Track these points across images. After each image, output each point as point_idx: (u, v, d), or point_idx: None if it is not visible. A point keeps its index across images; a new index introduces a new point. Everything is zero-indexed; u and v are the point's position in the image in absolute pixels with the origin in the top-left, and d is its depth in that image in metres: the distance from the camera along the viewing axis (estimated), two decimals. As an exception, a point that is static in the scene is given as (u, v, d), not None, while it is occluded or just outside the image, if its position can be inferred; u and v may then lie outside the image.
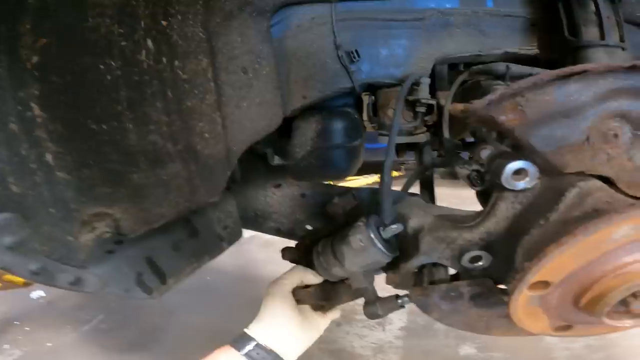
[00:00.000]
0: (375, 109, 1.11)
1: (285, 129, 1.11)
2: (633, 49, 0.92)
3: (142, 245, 0.93)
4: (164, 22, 0.73)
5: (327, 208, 1.11)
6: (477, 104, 0.73)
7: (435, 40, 1.00)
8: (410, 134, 1.12)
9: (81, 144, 0.70)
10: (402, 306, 0.99)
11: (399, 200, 1.00)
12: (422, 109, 1.03)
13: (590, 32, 0.89)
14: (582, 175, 0.76)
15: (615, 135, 0.73)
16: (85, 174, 0.72)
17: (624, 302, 0.71)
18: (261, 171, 1.27)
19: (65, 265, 0.78)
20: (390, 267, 0.97)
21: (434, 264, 0.93)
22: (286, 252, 1.23)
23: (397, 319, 2.69)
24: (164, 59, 0.74)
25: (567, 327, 0.84)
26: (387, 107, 1.05)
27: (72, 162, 0.70)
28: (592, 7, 0.89)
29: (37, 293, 2.97)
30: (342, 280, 1.08)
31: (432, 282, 0.93)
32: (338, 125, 1.12)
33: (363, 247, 0.93)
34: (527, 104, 0.71)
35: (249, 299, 3.27)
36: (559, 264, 0.69)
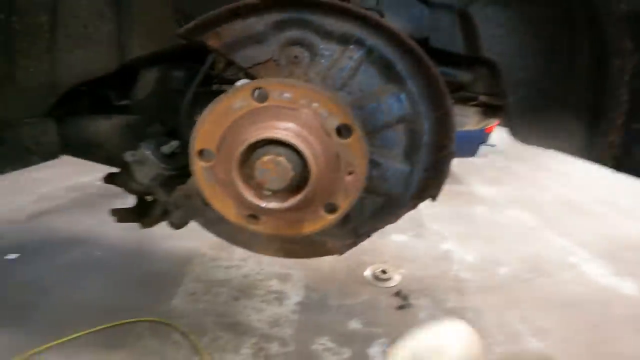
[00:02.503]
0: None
1: (130, 77, 1.32)
2: (410, 19, 1.13)
3: None
4: None
5: (141, 137, 1.29)
6: (181, 29, 0.98)
7: None
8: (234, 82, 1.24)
9: None
10: (184, 212, 1.23)
11: None
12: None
13: None
14: None
15: (296, 57, 1.00)
16: None
17: (253, 174, 0.91)
18: (106, 111, 1.41)
19: None
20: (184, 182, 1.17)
21: None
22: (107, 177, 1.51)
23: (295, 294, 2.65)
24: (1, 16, 0.97)
25: (254, 218, 1.01)
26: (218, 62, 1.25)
27: None
28: None
29: None
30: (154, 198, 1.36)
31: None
32: (177, 74, 1.32)
33: (139, 160, 1.19)
34: (222, 32, 0.99)
35: (141, 275, 2.66)
36: (208, 130, 0.94)
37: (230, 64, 1.24)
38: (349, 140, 0.94)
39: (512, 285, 3.10)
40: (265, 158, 0.89)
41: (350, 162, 0.95)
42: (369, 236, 1.17)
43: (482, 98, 1.31)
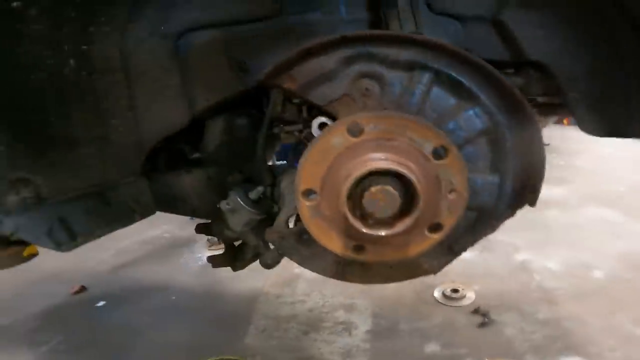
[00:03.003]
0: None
1: (202, 129, 1.39)
2: (448, 36, 1.15)
3: (58, 208, 1.15)
4: (84, 47, 1.03)
5: (224, 187, 1.36)
6: (261, 74, 1.04)
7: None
8: (295, 122, 1.31)
9: (15, 128, 1.00)
10: (280, 253, 1.26)
11: (283, 171, 1.30)
12: (297, 101, 1.23)
13: (394, 25, 1.13)
14: None
15: (367, 90, 1.04)
16: (15, 147, 1.00)
17: (362, 207, 0.94)
18: (182, 165, 1.49)
19: None
20: (271, 224, 1.22)
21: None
22: (199, 227, 1.57)
23: (362, 323, 2.53)
24: (84, 73, 1.05)
25: (360, 248, 1.03)
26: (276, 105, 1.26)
27: (5, 138, 0.98)
28: (396, 4, 1.14)
29: (-6, 317, 2.90)
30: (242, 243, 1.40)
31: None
32: (241, 122, 1.38)
33: (233, 209, 1.24)
34: (295, 74, 1.04)
35: (214, 316, 2.77)
36: (310, 171, 0.98)
37: (285, 105, 1.26)
38: (446, 160, 0.97)
39: (613, 288, 2.76)
40: (374, 189, 0.92)
41: (451, 180, 0.98)
42: (465, 251, 1.17)
43: (540, 99, 1.32)
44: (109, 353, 2.58)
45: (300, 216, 1.03)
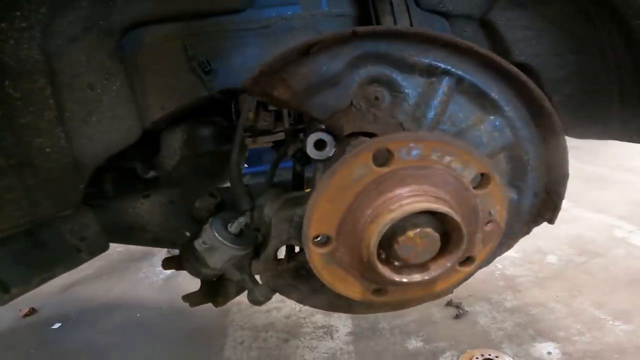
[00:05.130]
0: (238, 113, 1.17)
1: (155, 143, 1.17)
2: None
3: None
4: None
5: (192, 213, 1.15)
6: (245, 80, 0.82)
7: (282, 43, 1.03)
8: (270, 132, 1.18)
9: None
10: (274, 290, 1.07)
11: (262, 193, 1.08)
12: (274, 109, 1.10)
13: (387, 20, 1.02)
14: (356, 135, 0.88)
15: (377, 98, 0.86)
16: None
17: (392, 251, 0.77)
18: (134, 186, 1.27)
19: None
20: (255, 256, 1.04)
21: (292, 249, 1.01)
22: (165, 263, 1.27)
23: (342, 325, 2.53)
24: None
25: (382, 290, 0.89)
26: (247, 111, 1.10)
27: None
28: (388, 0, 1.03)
29: None
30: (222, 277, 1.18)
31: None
32: (203, 133, 1.17)
33: (211, 247, 1.03)
34: (289, 78, 0.82)
35: (187, 331, 2.68)
36: (324, 212, 0.78)
37: (259, 112, 1.12)
38: (487, 189, 0.83)
39: (569, 272, 2.96)
40: (411, 233, 0.76)
41: (490, 211, 0.85)
42: (477, 270, 1.07)
43: None
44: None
45: (310, 264, 0.86)
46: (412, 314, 2.70)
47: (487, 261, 1.06)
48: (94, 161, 0.99)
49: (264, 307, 2.94)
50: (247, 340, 2.60)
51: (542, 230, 3.41)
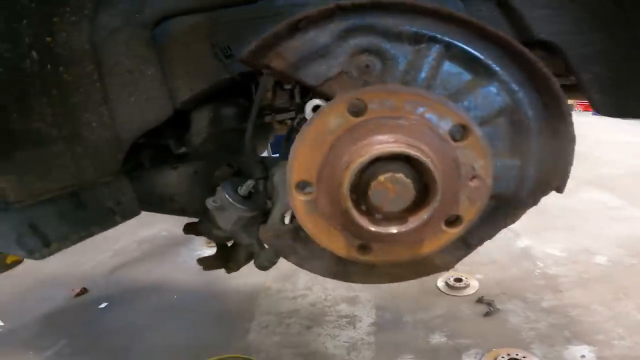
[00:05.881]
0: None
1: (186, 122, 1.30)
2: None
3: (27, 212, 1.07)
4: (48, 39, 0.96)
5: (212, 182, 1.27)
6: (243, 53, 0.92)
7: None
8: (287, 110, 1.26)
9: None
10: (275, 252, 1.16)
11: (275, 163, 1.19)
12: (289, 87, 1.17)
13: None
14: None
15: (367, 66, 0.92)
16: None
17: (367, 199, 0.80)
18: (168, 161, 1.40)
19: None
20: (265, 220, 1.12)
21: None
22: (186, 227, 1.44)
23: (366, 315, 2.52)
24: (49, 66, 0.98)
25: (366, 247, 0.91)
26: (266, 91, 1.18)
27: None
28: None
29: (-4, 322, 2.84)
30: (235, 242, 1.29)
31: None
32: (227, 112, 1.28)
33: (220, 207, 1.15)
34: (284, 52, 0.91)
35: (215, 315, 2.76)
36: (305, 159, 0.84)
37: (276, 91, 1.19)
38: (466, 141, 0.84)
39: (616, 274, 2.74)
40: (382, 177, 0.78)
41: (472, 165, 0.85)
42: (481, 244, 1.07)
43: None
44: (114, 355, 2.53)
45: (294, 213, 0.91)
46: (440, 308, 2.63)
47: (489, 234, 1.05)
48: (132, 135, 1.14)
49: (290, 294, 3.00)
50: (271, 325, 2.67)
51: (590, 229, 3.23)
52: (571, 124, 0.94)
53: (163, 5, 1.08)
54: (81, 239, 1.19)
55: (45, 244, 1.12)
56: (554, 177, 0.98)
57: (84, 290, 3.33)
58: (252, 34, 1.09)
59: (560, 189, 1.00)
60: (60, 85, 1.01)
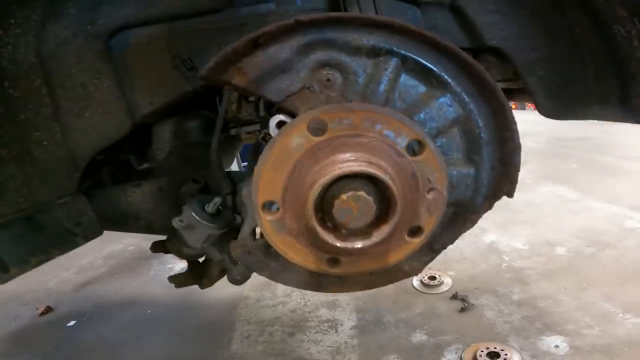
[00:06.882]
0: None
1: (148, 137, 1.26)
2: (412, 23, 1.05)
3: None
4: None
5: (178, 199, 1.24)
6: (202, 70, 0.90)
7: None
8: (252, 122, 1.24)
9: None
10: (247, 268, 1.14)
11: (243, 178, 1.17)
12: (253, 100, 1.16)
13: (353, 10, 1.06)
14: None
15: (329, 80, 0.92)
16: None
17: (332, 217, 0.82)
18: (130, 177, 1.35)
19: None
20: (235, 236, 1.10)
21: None
22: (153, 246, 1.39)
23: (347, 319, 2.56)
24: None
25: (335, 261, 0.94)
26: (230, 103, 1.18)
27: None
28: None
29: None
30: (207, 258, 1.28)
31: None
32: (191, 125, 1.25)
33: (188, 225, 1.12)
34: (245, 67, 0.90)
35: (195, 326, 2.82)
36: (268, 179, 0.86)
37: (241, 104, 1.18)
38: (422, 156, 0.87)
39: (577, 264, 2.92)
40: (344, 196, 0.80)
41: (428, 178, 0.89)
42: (445, 248, 1.11)
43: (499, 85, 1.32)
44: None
45: (263, 232, 0.92)
46: (418, 307, 2.70)
47: (452, 239, 1.09)
48: (88, 153, 1.08)
49: (270, 302, 2.98)
50: (253, 334, 2.64)
51: (551, 221, 3.40)
52: (516, 131, 0.99)
53: (118, 16, 1.04)
54: (41, 262, 1.15)
55: (3, 270, 1.08)
56: (504, 183, 1.03)
57: (48, 309, 3.16)
58: (214, 44, 1.07)
59: (510, 194, 1.05)
60: (7, 101, 0.97)
